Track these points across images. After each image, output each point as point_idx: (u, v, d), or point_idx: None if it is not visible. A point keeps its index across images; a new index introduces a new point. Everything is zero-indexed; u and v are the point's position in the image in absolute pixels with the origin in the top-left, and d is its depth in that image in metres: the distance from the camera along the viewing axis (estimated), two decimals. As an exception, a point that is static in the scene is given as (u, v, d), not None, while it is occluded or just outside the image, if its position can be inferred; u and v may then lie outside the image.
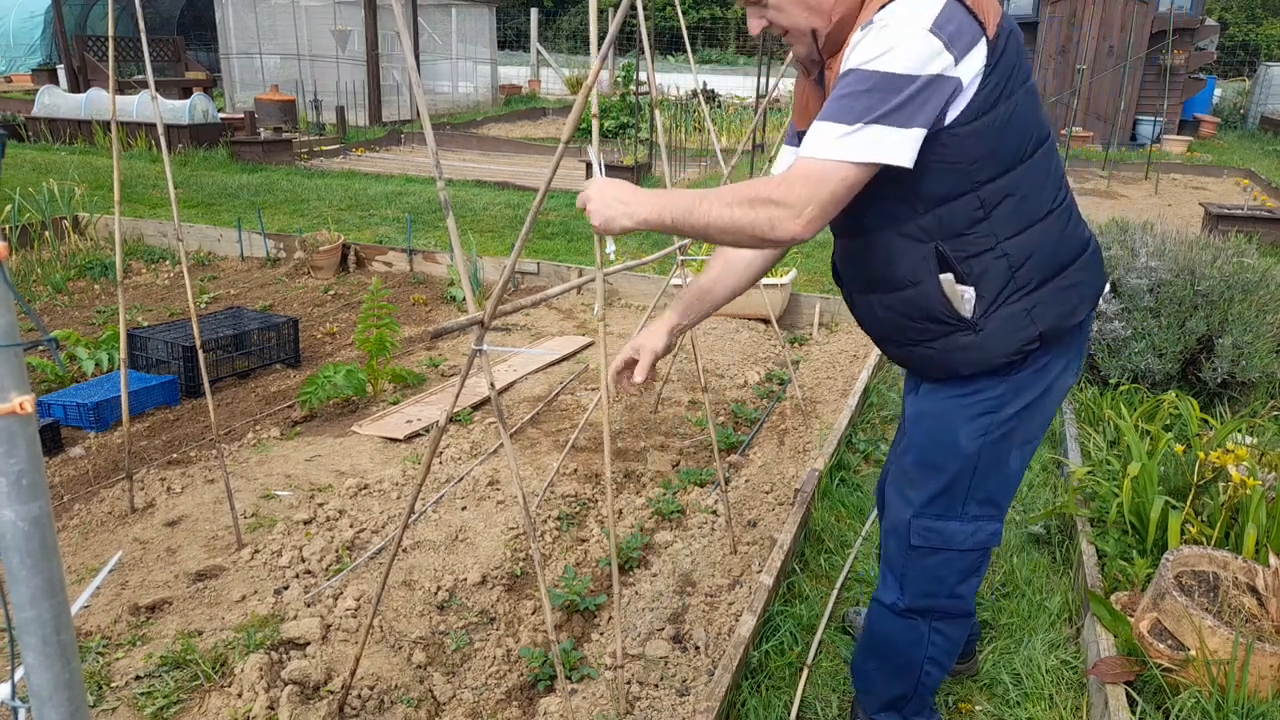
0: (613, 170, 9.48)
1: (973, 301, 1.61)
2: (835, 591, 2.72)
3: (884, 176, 1.48)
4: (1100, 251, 1.76)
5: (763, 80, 10.95)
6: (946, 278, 1.60)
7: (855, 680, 2.13)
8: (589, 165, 1.95)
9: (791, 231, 1.44)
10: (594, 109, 1.91)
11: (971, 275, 1.60)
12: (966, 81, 1.46)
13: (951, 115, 1.48)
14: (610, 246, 1.85)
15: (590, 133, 1.75)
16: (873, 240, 1.66)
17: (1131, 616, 2.35)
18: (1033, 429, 1.76)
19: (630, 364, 1.90)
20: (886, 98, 1.41)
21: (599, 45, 1.70)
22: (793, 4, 1.55)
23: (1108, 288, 1.84)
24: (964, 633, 1.97)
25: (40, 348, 4.35)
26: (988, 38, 1.46)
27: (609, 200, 1.54)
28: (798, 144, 1.73)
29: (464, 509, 3.19)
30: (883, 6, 1.45)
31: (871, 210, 1.61)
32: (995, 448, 1.73)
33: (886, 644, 1.97)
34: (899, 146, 1.43)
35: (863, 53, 1.44)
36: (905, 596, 1.88)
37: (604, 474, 3.42)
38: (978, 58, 1.46)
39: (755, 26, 1.64)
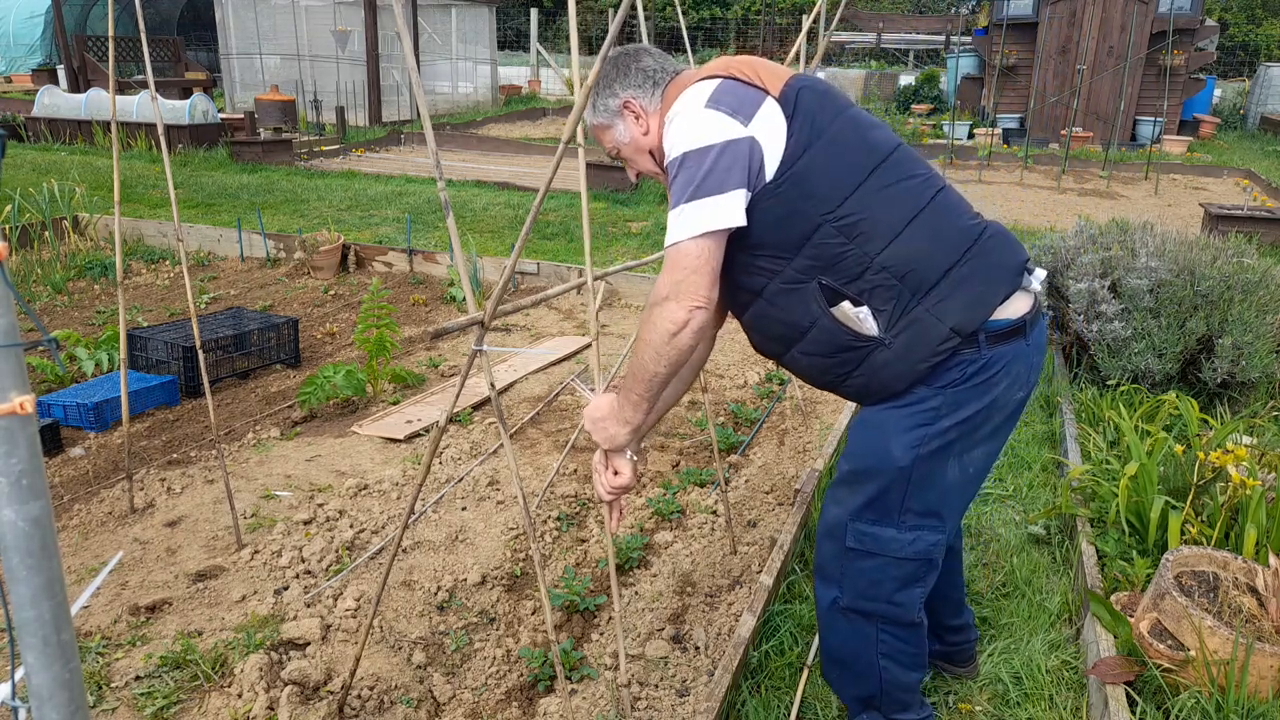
0: (612, 170, 9.48)
1: (870, 319, 1.68)
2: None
3: (744, 239, 1.66)
4: (1001, 235, 1.76)
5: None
6: (840, 307, 1.69)
7: (829, 685, 2.14)
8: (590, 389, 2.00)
9: (687, 310, 1.59)
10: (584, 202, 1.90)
11: (861, 295, 1.67)
12: (766, 137, 1.63)
13: (771, 167, 1.63)
14: (630, 454, 1.91)
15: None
16: (761, 303, 1.77)
17: (1131, 617, 2.35)
18: (974, 441, 1.75)
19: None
20: (694, 174, 1.60)
21: (601, 47, 1.70)
22: (635, 153, 1.86)
23: (1039, 272, 1.84)
24: (919, 638, 1.94)
25: (40, 348, 4.35)
26: (772, 96, 1.65)
27: (601, 424, 1.79)
28: None
29: (464, 509, 3.19)
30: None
31: (747, 275, 1.74)
32: (929, 460, 1.73)
33: (840, 648, 1.98)
34: (723, 210, 1.59)
35: (667, 147, 1.68)
36: (844, 596, 1.88)
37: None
38: (770, 114, 1.64)
39: (632, 175, 1.96)
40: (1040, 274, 1.80)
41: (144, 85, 13.54)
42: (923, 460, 1.72)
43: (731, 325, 5.49)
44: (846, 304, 1.68)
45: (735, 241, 1.66)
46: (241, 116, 12.67)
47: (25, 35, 19.43)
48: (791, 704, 2.24)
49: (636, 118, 1.82)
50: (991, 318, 1.68)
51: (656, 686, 2.32)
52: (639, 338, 1.67)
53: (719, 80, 1.68)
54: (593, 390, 2.00)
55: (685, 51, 3.31)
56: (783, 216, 1.65)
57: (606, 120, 1.84)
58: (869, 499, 1.78)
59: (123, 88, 13.47)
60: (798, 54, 3.14)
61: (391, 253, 6.44)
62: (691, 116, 1.64)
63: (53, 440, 3.53)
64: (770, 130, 1.63)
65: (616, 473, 1.86)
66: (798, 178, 1.63)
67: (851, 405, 3.86)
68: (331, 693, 2.23)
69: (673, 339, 1.61)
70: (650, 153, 1.84)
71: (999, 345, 1.69)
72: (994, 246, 1.73)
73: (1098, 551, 2.75)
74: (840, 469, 1.86)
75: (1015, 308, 1.72)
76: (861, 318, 1.68)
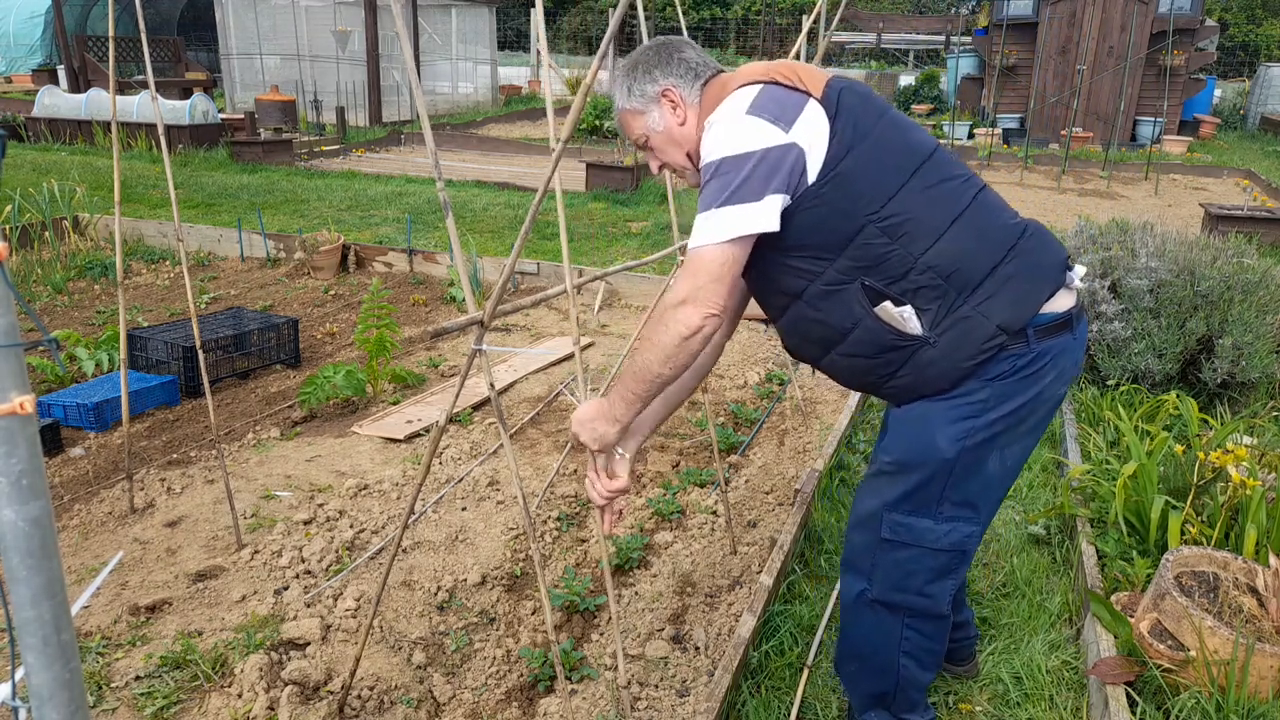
0: (612, 170, 9.47)
1: (914, 318, 1.68)
2: (835, 591, 2.72)
3: (780, 242, 1.65)
4: (1041, 233, 1.78)
5: (763, 81, 10.95)
6: (882, 307, 1.68)
7: (840, 680, 2.14)
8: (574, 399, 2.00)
9: (702, 317, 1.58)
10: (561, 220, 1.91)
11: (905, 295, 1.68)
12: (809, 140, 1.63)
13: (814, 170, 1.63)
14: (619, 451, 1.91)
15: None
16: (801, 305, 1.76)
17: (1131, 617, 2.35)
18: (1017, 435, 1.76)
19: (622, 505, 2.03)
20: (730, 180, 1.59)
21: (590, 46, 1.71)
22: (666, 143, 1.83)
23: (1079, 268, 1.85)
24: (943, 634, 1.95)
25: (40, 348, 4.35)
26: (815, 98, 1.65)
27: (588, 425, 1.77)
28: None
29: (464, 509, 3.19)
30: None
31: (786, 277, 1.74)
32: (974, 452, 1.74)
33: (862, 642, 1.97)
34: (755, 217, 1.59)
35: (705, 152, 1.67)
36: (874, 588, 1.88)
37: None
38: (813, 116, 1.64)
39: (655, 167, 1.93)
40: (1080, 270, 1.82)
41: (144, 85, 13.54)
42: (968, 452, 1.73)
43: (731, 325, 5.39)
44: (888, 304, 1.68)
45: (773, 244, 1.66)
46: (242, 117, 12.68)
47: (25, 35, 19.42)
48: (791, 704, 2.24)
49: (674, 107, 1.80)
50: (1038, 312, 1.71)
51: (656, 687, 2.32)
52: (645, 337, 1.67)
53: (761, 86, 1.67)
54: (583, 398, 1.99)
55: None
56: (825, 217, 1.65)
57: (640, 105, 1.81)
58: (908, 490, 1.78)
59: (123, 88, 13.47)
60: (798, 54, 3.14)
61: (391, 253, 6.44)
62: (732, 123, 1.63)
63: (53, 440, 3.53)
64: (813, 133, 1.63)
65: (612, 477, 1.86)
66: (841, 178, 1.63)
67: (852, 406, 3.86)
68: (331, 693, 2.23)
69: (683, 343, 1.60)
70: (681, 146, 1.82)
71: (1047, 339, 1.71)
72: (1036, 245, 1.75)
73: (1098, 551, 2.75)
74: (877, 461, 1.86)
75: (1060, 303, 1.74)
76: (905, 317, 1.68)
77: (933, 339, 1.68)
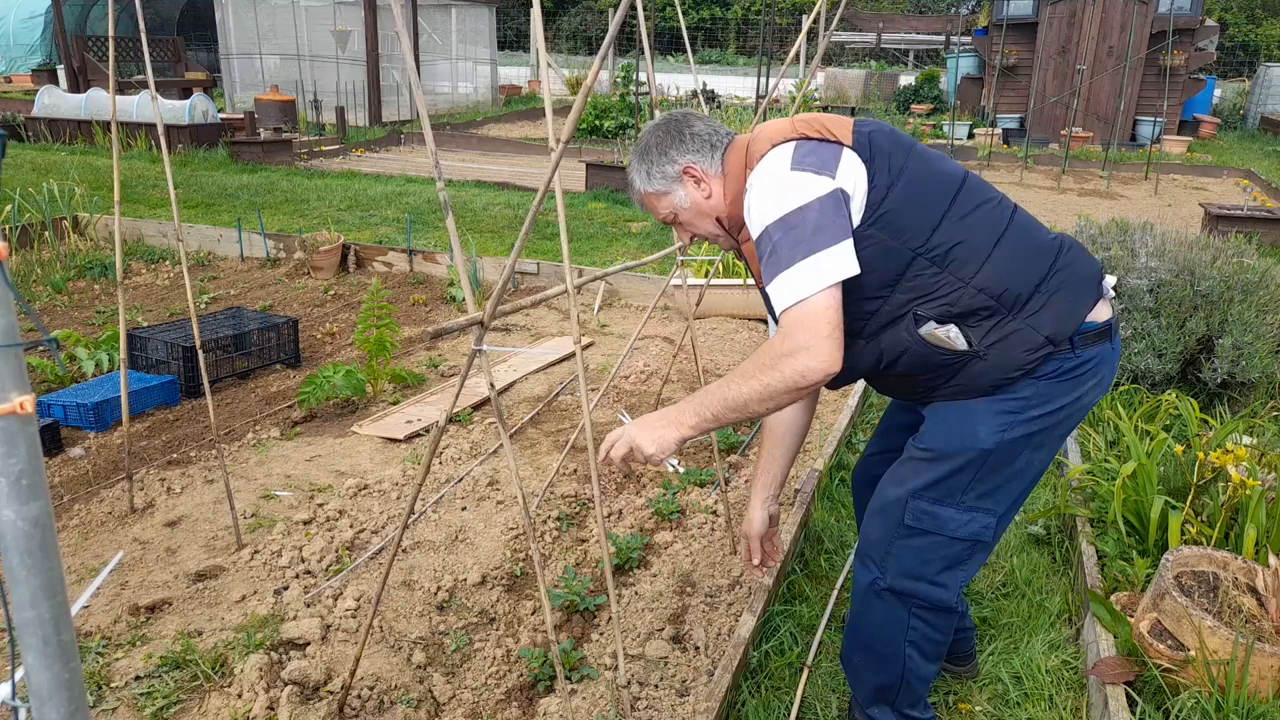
0: (612, 170, 9.48)
1: (960, 336, 1.73)
2: (835, 591, 2.72)
3: (845, 289, 1.66)
4: (1078, 247, 1.85)
5: (762, 80, 10.95)
6: (927, 329, 1.73)
7: (845, 672, 2.15)
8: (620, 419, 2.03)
9: (823, 373, 1.59)
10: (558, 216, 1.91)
11: (951, 316, 1.73)
12: (852, 185, 1.68)
13: (858, 213, 1.68)
14: (673, 461, 1.93)
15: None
16: (859, 342, 1.81)
17: (1131, 617, 2.35)
18: (1051, 437, 1.82)
19: (757, 546, 2.20)
20: (802, 232, 1.61)
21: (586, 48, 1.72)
22: (696, 217, 1.89)
23: (1110, 279, 1.91)
24: (948, 627, 1.97)
25: (40, 348, 4.35)
26: (847, 145, 1.70)
27: (652, 429, 1.75)
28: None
29: (464, 509, 3.19)
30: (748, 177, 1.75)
31: (849, 318, 1.75)
32: (1010, 446, 1.78)
33: (869, 631, 2.00)
34: (840, 261, 1.61)
35: (758, 215, 1.68)
36: (886, 575, 1.91)
37: (604, 475, 3.42)
38: (850, 163, 1.69)
39: (684, 237, 2.00)
40: (1111, 280, 1.88)
41: (144, 85, 13.53)
42: (1005, 445, 1.78)
43: (730, 326, 5.42)
44: (932, 324, 1.73)
45: None
46: (241, 116, 12.67)
47: (25, 35, 19.42)
48: (791, 704, 2.24)
49: (698, 182, 1.85)
50: (1084, 322, 1.77)
51: (656, 687, 2.32)
52: (746, 373, 1.66)
53: (794, 143, 1.72)
54: (584, 398, 2.00)
55: (685, 51, 3.30)
56: (876, 256, 1.69)
57: (664, 187, 1.87)
58: (938, 478, 1.82)
59: (123, 88, 13.47)
60: (798, 54, 3.14)
61: (391, 253, 6.44)
62: (780, 181, 1.67)
63: (53, 440, 3.53)
64: (853, 178, 1.68)
65: (767, 550, 2.19)
66: (886, 217, 1.68)
67: (852, 406, 3.86)
68: (331, 693, 2.23)
69: (794, 391, 1.62)
70: (710, 216, 1.88)
71: (1090, 347, 1.77)
72: (1075, 258, 1.81)
73: (1098, 551, 2.75)
74: (911, 451, 1.89)
75: (1100, 313, 1.80)
76: (951, 336, 1.73)
77: (982, 352, 1.73)
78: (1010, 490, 1.85)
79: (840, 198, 1.65)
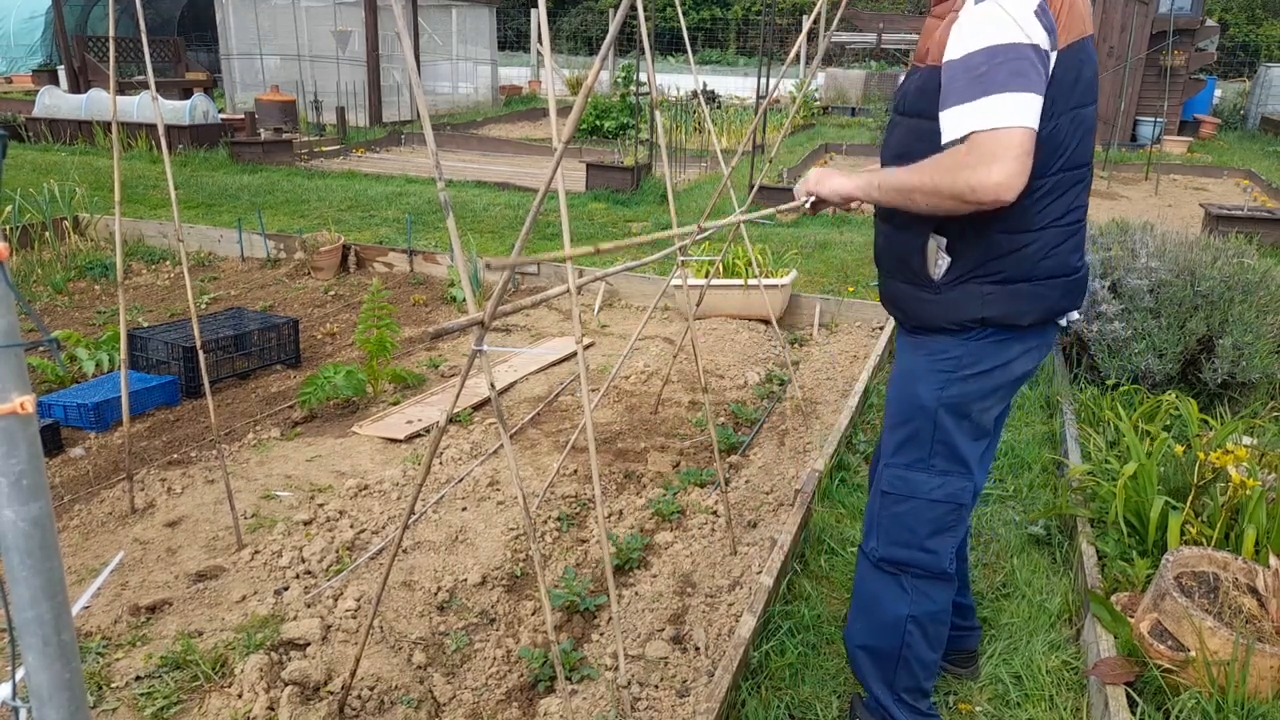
0: (612, 171, 9.48)
1: (944, 269, 1.81)
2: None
3: (936, 137, 1.66)
4: (1085, 284, 1.91)
5: (763, 81, 10.95)
6: (936, 239, 1.79)
7: (847, 652, 2.17)
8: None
9: (995, 188, 1.57)
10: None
11: (954, 247, 1.78)
12: (1051, 71, 1.64)
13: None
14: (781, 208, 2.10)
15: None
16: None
17: (1132, 617, 2.35)
18: (985, 393, 1.88)
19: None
20: (1020, 65, 1.56)
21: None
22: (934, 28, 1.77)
23: (1099, 289, 1.98)
24: (945, 598, 2.02)
25: (41, 348, 4.35)
26: (1058, 50, 1.64)
27: (831, 178, 1.91)
28: (914, 79, 1.84)
29: (464, 509, 3.19)
30: None
31: (912, 153, 1.76)
32: (953, 405, 1.88)
33: (869, 600, 2.06)
34: (1037, 109, 1.58)
35: (972, 32, 1.60)
36: (880, 545, 2.00)
37: (605, 476, 3.42)
38: (1056, 59, 1.64)
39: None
40: (1075, 315, 1.94)
41: (144, 86, 13.54)
42: (947, 403, 1.87)
43: (730, 326, 5.42)
44: (944, 240, 1.78)
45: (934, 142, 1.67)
46: (242, 117, 12.67)
47: (25, 36, 19.43)
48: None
49: None
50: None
51: (656, 687, 2.32)
52: (924, 168, 1.67)
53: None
54: (585, 398, 2.01)
55: (686, 52, 3.31)
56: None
57: None
58: (899, 443, 1.95)
59: (123, 88, 13.47)
60: (798, 54, 3.14)
61: (392, 253, 6.44)
62: (1020, 12, 1.59)
63: (53, 440, 3.53)
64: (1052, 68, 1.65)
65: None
66: (1052, 132, 1.68)
67: (852, 406, 3.86)
68: (332, 693, 2.23)
69: (959, 201, 1.61)
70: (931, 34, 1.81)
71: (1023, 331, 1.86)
72: (1070, 289, 1.84)
73: (1098, 552, 2.75)
74: (885, 423, 2.02)
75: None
76: (940, 264, 1.80)
77: (939, 289, 1.81)
78: (973, 451, 1.92)
79: (1047, 63, 1.61)
